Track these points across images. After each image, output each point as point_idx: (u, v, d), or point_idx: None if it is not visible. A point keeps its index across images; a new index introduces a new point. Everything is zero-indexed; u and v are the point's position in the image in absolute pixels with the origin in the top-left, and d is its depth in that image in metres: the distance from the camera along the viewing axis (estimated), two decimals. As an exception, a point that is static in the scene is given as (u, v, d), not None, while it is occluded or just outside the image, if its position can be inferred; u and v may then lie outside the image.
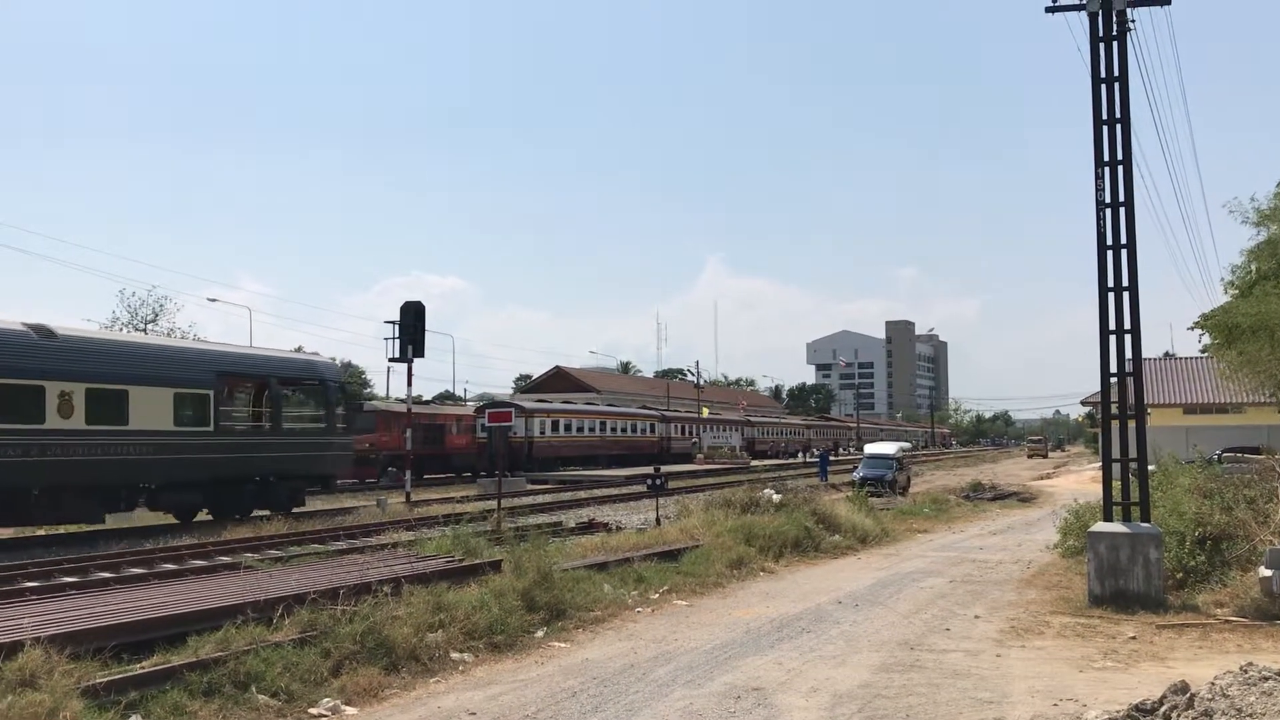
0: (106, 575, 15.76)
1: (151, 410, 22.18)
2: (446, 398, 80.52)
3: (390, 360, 33.11)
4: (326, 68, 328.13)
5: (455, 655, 10.37)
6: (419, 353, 31.71)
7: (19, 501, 20.02)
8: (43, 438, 20.04)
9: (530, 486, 40.70)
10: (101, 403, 21.05)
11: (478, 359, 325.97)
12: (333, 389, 28.52)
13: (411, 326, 31.46)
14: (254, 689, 8.59)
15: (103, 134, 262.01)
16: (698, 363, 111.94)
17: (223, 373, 24.73)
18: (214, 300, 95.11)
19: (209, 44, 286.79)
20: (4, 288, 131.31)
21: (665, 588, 14.54)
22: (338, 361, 46.85)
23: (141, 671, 8.48)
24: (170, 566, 16.94)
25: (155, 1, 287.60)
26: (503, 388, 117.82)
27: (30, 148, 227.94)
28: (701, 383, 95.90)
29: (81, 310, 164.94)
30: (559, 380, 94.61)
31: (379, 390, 78.26)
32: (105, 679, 8.12)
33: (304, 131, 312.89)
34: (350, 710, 8.64)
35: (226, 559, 17.20)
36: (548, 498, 35.16)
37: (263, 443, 25.93)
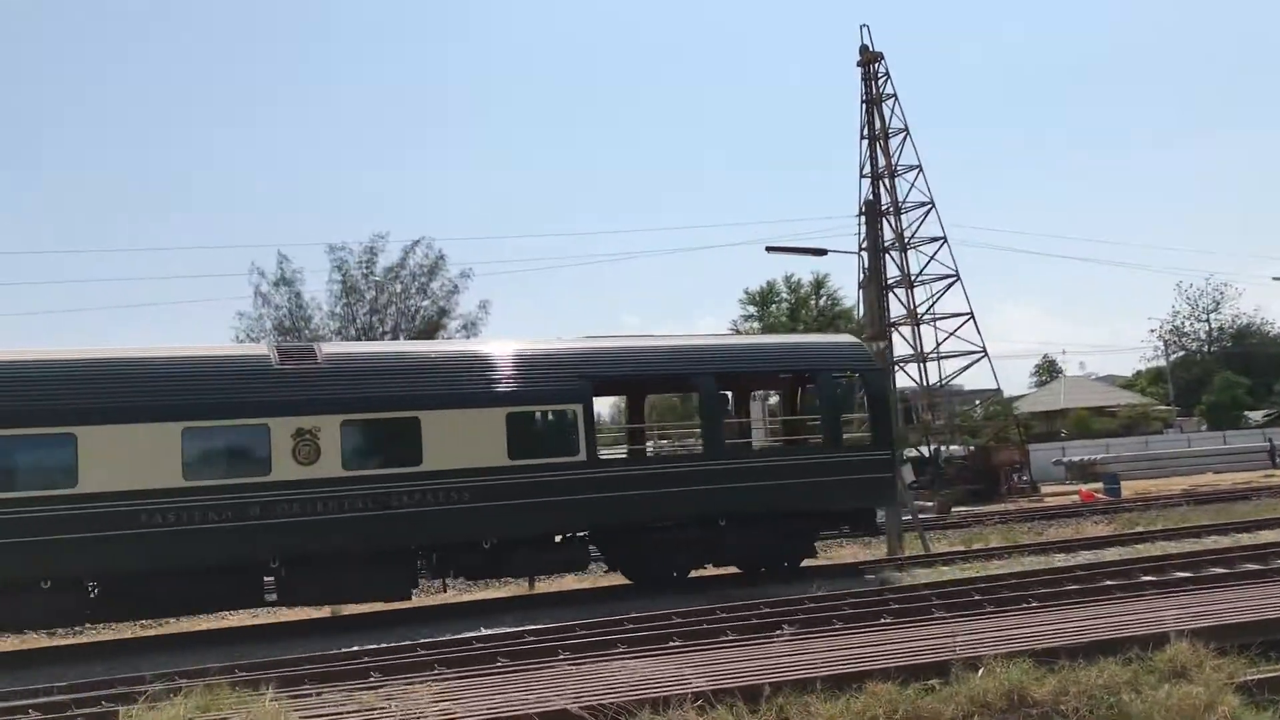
0: (1220, 571, 15.57)
1: (461, 442, 15.76)
2: None
3: None
4: None
5: None
6: None
7: (251, 577, 15.21)
8: (264, 493, 14.79)
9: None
10: (368, 438, 15.77)
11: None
12: (863, 385, 20.00)
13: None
14: None
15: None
16: None
17: (602, 378, 17.52)
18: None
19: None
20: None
21: None
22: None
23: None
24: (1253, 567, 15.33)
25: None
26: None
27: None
28: None
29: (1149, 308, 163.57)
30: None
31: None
32: (1257, 676, 8.22)
33: None
34: None
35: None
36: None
37: (700, 471, 17.37)
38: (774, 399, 25.27)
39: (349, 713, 8.12)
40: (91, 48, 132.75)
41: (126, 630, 16.44)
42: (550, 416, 17.03)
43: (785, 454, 19.54)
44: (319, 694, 9.23)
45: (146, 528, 14.10)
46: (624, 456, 19.46)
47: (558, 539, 16.93)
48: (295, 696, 9.08)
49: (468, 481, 15.78)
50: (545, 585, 19.16)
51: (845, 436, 18.95)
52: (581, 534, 17.11)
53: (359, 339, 42.93)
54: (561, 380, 16.75)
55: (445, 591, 18.76)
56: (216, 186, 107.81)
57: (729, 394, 19.86)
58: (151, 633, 16.15)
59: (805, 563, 18.43)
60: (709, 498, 17.08)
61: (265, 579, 15.31)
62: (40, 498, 13.78)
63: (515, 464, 16.05)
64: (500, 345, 17.50)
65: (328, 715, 8.13)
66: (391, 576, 15.76)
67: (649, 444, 21.00)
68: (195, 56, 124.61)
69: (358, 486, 15.19)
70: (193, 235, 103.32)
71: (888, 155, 46.38)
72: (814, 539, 18.67)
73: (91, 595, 14.47)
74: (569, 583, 19.15)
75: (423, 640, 12.95)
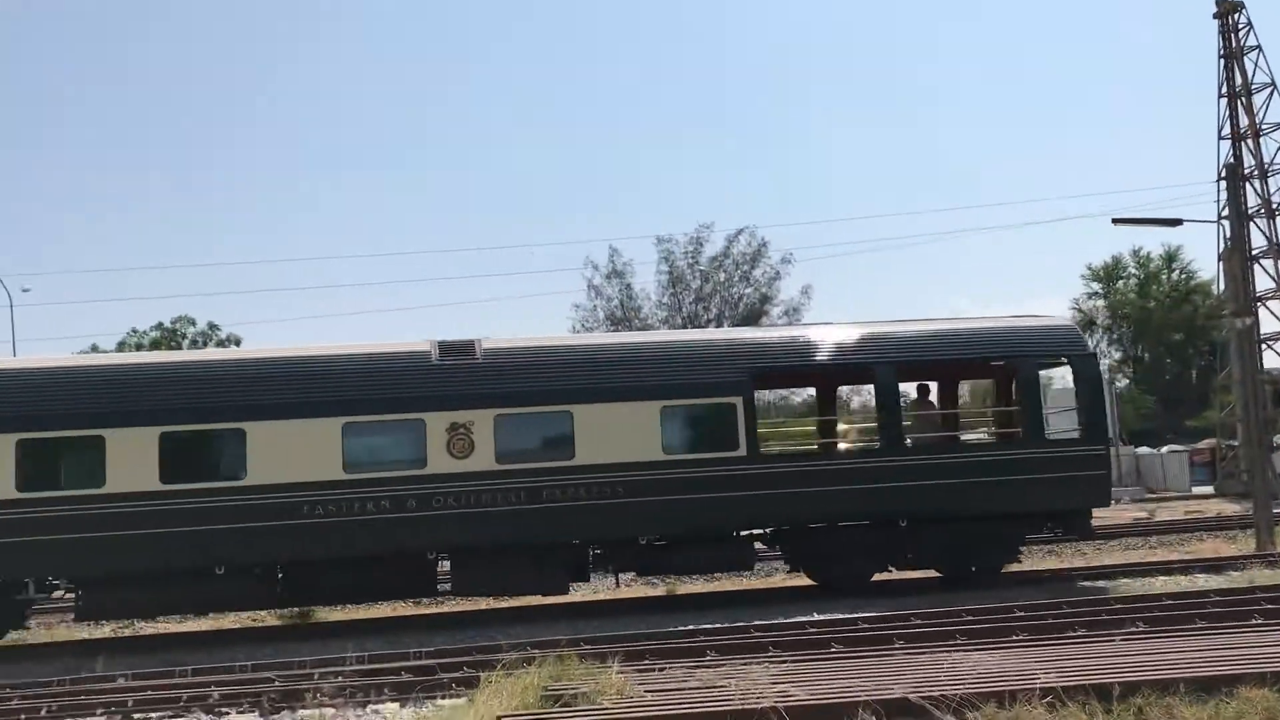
0: None
1: (614, 436, 15.43)
2: None
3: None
4: None
5: None
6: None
7: (416, 568, 15.55)
8: (420, 485, 15.07)
9: None
10: (520, 432, 15.56)
11: None
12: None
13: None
14: None
15: None
16: None
17: (764, 370, 16.56)
18: None
19: None
20: None
21: None
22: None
23: None
24: None
25: None
26: None
27: None
28: None
29: None
30: None
31: None
32: None
33: None
34: None
35: None
36: None
37: (871, 469, 16.16)
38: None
39: (690, 688, 8.37)
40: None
41: (483, 603, 17.56)
42: (708, 410, 16.14)
43: (975, 450, 18.16)
44: (660, 670, 9.54)
45: (308, 519, 14.77)
46: (788, 451, 18.37)
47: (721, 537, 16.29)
48: (639, 670, 9.43)
49: (620, 476, 15.40)
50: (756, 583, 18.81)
51: (1049, 430, 17.36)
52: (749, 532, 16.43)
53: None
54: (720, 372, 16.01)
55: (619, 588, 18.37)
56: (553, 186, 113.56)
57: (930, 384, 18.20)
58: (504, 605, 17.08)
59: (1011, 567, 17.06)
60: (883, 497, 15.87)
61: (438, 569, 15.79)
62: (213, 489, 14.78)
63: (670, 459, 15.62)
64: (658, 337, 17.15)
65: (670, 689, 8.39)
66: (548, 570, 15.68)
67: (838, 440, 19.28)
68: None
69: (510, 480, 15.25)
70: (531, 233, 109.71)
71: (1250, 114, 42.30)
72: (1017, 543, 16.77)
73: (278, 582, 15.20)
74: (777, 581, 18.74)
75: (756, 623, 13.06)
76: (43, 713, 10.07)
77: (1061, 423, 18.84)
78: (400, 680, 10.60)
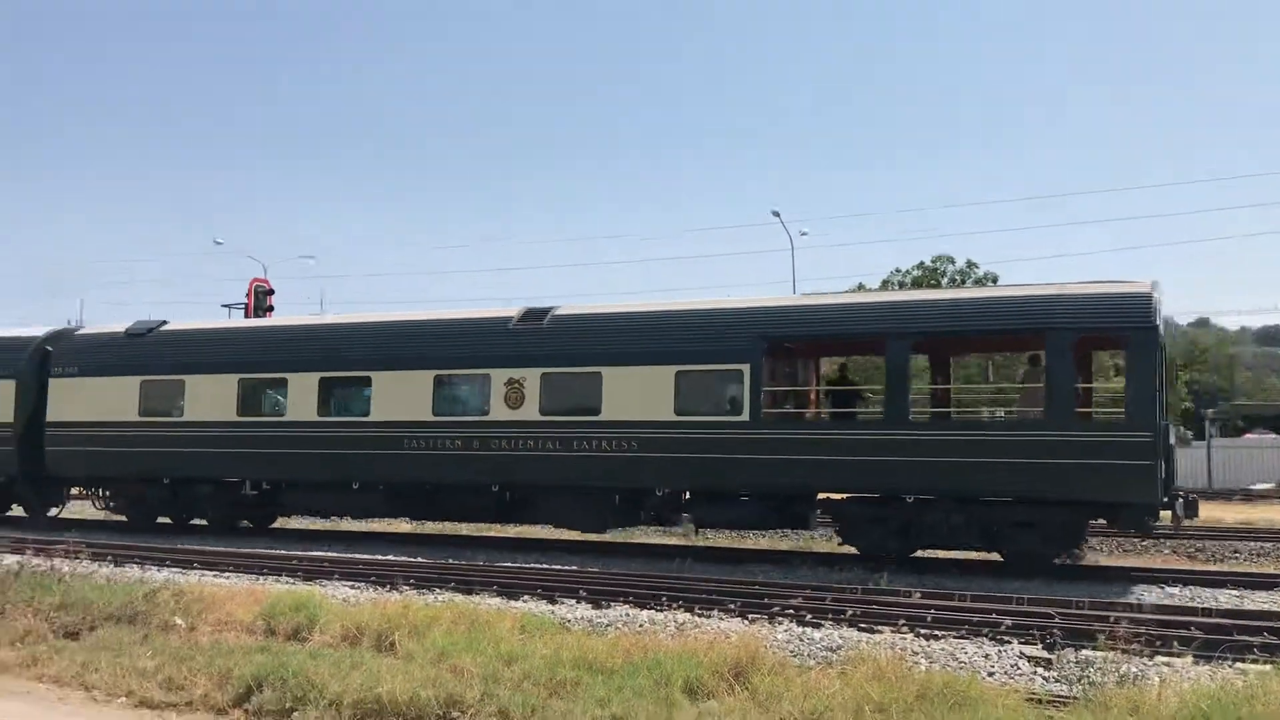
0: None
1: (634, 395, 16.85)
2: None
3: None
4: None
5: None
6: None
7: (477, 497, 18.45)
8: (485, 429, 17.83)
9: None
10: (559, 390, 17.52)
11: None
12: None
13: None
14: None
15: None
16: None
17: (775, 337, 16.51)
18: None
19: None
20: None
21: None
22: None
23: None
24: None
25: None
26: None
27: None
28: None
29: None
30: None
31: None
32: None
33: None
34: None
35: None
36: None
37: (870, 441, 15.59)
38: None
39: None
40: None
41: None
42: (717, 375, 16.79)
43: (988, 428, 16.41)
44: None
45: (407, 451, 18.34)
46: (795, 417, 17.67)
47: (743, 497, 16.62)
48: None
49: (636, 432, 16.79)
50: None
51: (1083, 411, 15.08)
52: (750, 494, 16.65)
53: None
54: (729, 340, 16.56)
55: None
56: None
57: (1040, 354, 16.03)
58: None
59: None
60: (884, 471, 15.26)
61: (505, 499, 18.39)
62: (349, 422, 19.15)
63: (680, 419, 16.57)
64: (675, 306, 17.92)
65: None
66: (587, 511, 17.47)
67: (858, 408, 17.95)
68: None
69: (549, 430, 17.37)
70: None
71: None
72: (1060, 534, 15.02)
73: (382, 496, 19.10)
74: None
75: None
76: (847, 614, 11.44)
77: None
78: (1194, 636, 10.02)
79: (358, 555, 16.94)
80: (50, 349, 22.23)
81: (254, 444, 19.72)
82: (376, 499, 19.31)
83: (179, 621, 10.69)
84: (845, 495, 16.60)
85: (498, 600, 12.48)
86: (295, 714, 7.79)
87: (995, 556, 15.73)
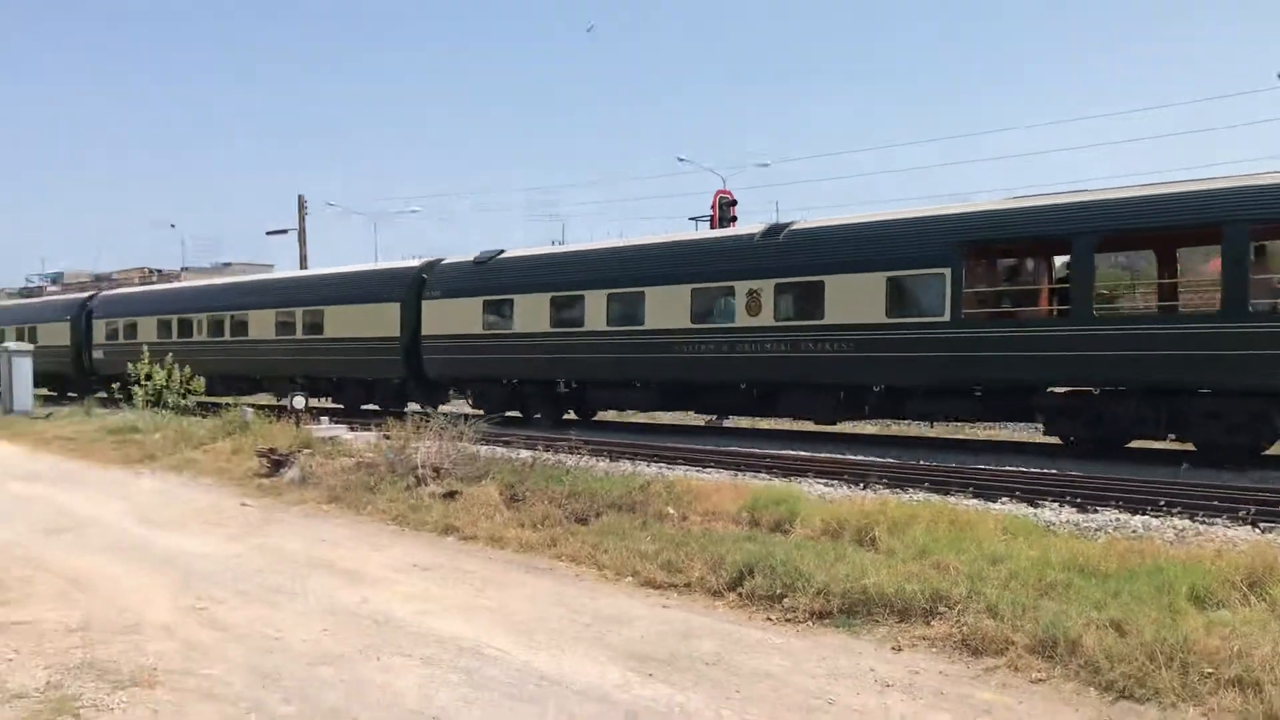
0: None
1: (852, 301, 18.56)
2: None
3: None
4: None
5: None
6: None
7: (729, 394, 21.25)
8: (731, 335, 20.29)
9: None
10: (790, 298, 19.79)
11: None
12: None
13: None
14: None
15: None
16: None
17: (974, 241, 17.52)
18: None
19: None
20: None
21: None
22: None
23: None
24: None
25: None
26: None
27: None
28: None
29: None
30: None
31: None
32: None
33: None
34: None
35: None
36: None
37: (1056, 337, 16.35)
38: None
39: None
40: None
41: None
42: (920, 280, 17.98)
43: (1158, 321, 16.35)
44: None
45: (672, 354, 21.21)
46: (991, 317, 18.03)
47: (976, 391, 17.65)
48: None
49: (853, 335, 18.59)
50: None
51: (1261, 303, 14.81)
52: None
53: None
54: (929, 246, 17.87)
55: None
56: None
57: (1152, 253, 17.11)
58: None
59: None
60: (1069, 365, 16.10)
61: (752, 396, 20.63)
62: (628, 330, 22.22)
63: (889, 321, 18.17)
64: (886, 216, 18.88)
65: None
66: (817, 405, 19.58)
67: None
68: None
69: (781, 334, 19.33)
70: None
71: None
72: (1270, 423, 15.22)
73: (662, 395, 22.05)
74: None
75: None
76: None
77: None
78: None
79: (831, 455, 17.21)
80: (425, 277, 27.45)
81: (563, 350, 23.56)
82: (653, 395, 22.52)
83: (671, 511, 11.35)
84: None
85: (975, 501, 12.09)
86: (785, 600, 8.15)
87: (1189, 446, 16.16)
